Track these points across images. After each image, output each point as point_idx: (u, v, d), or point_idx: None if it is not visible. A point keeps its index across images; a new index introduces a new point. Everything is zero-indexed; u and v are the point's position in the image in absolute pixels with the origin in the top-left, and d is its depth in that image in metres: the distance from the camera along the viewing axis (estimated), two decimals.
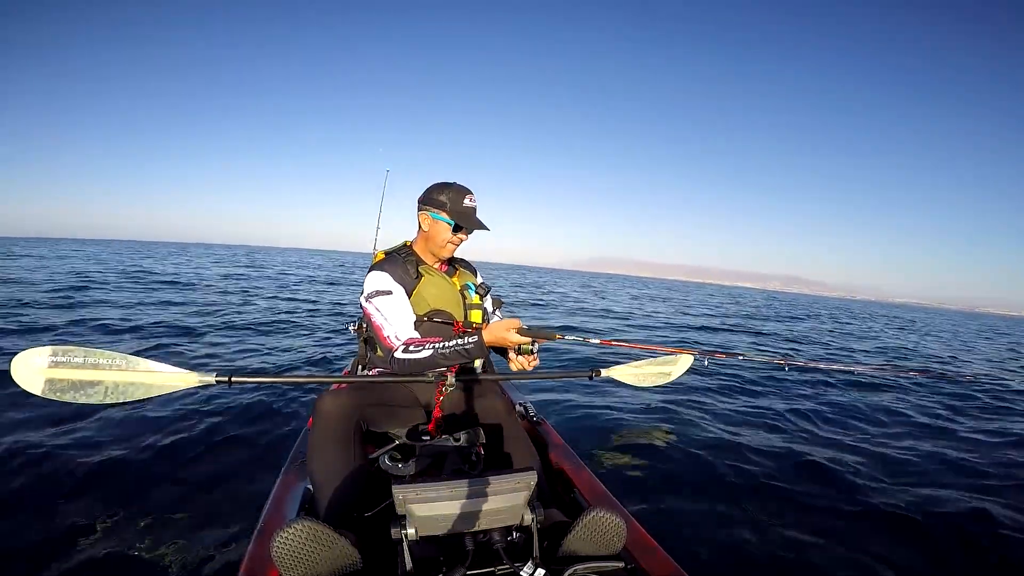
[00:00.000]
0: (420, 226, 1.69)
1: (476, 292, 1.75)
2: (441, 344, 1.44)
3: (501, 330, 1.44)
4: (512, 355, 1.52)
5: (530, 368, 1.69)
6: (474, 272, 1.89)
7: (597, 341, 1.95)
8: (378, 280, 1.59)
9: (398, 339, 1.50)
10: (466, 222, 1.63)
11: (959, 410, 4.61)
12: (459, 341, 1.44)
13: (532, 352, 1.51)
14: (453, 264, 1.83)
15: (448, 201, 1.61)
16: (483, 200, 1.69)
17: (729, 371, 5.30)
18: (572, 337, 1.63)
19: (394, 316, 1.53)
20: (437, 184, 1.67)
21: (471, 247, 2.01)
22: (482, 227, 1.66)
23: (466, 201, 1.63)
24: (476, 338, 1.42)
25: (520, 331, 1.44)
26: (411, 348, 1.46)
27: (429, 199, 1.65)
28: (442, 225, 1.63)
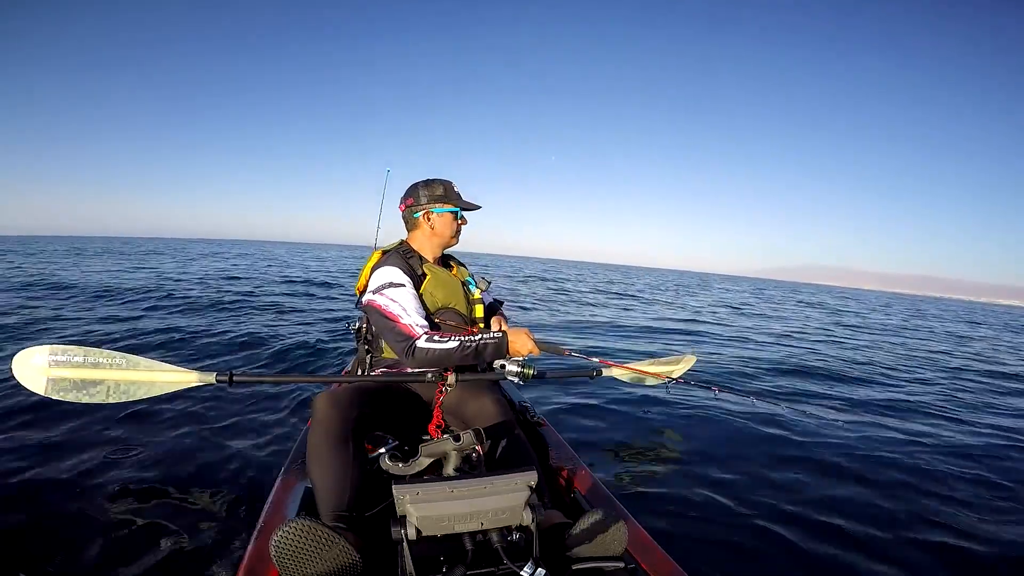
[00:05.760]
0: (419, 227, 1.72)
1: (476, 287, 1.79)
2: (467, 337, 1.48)
3: (522, 336, 1.51)
4: (512, 376, 1.57)
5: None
6: (465, 267, 1.93)
7: (597, 360, 2.02)
8: (389, 273, 1.60)
9: (419, 327, 1.50)
10: (468, 205, 1.72)
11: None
12: (484, 337, 1.48)
13: (530, 375, 1.58)
14: (446, 260, 1.85)
15: (445, 192, 1.69)
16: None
17: (736, 374, 5.29)
18: (577, 354, 1.71)
19: (411, 306, 1.54)
20: (422, 183, 1.71)
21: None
22: (477, 207, 1.76)
23: (456, 188, 1.72)
24: (501, 335, 1.48)
25: (536, 343, 1.53)
26: (436, 338, 1.48)
27: (429, 197, 1.69)
28: (447, 216, 1.69)
